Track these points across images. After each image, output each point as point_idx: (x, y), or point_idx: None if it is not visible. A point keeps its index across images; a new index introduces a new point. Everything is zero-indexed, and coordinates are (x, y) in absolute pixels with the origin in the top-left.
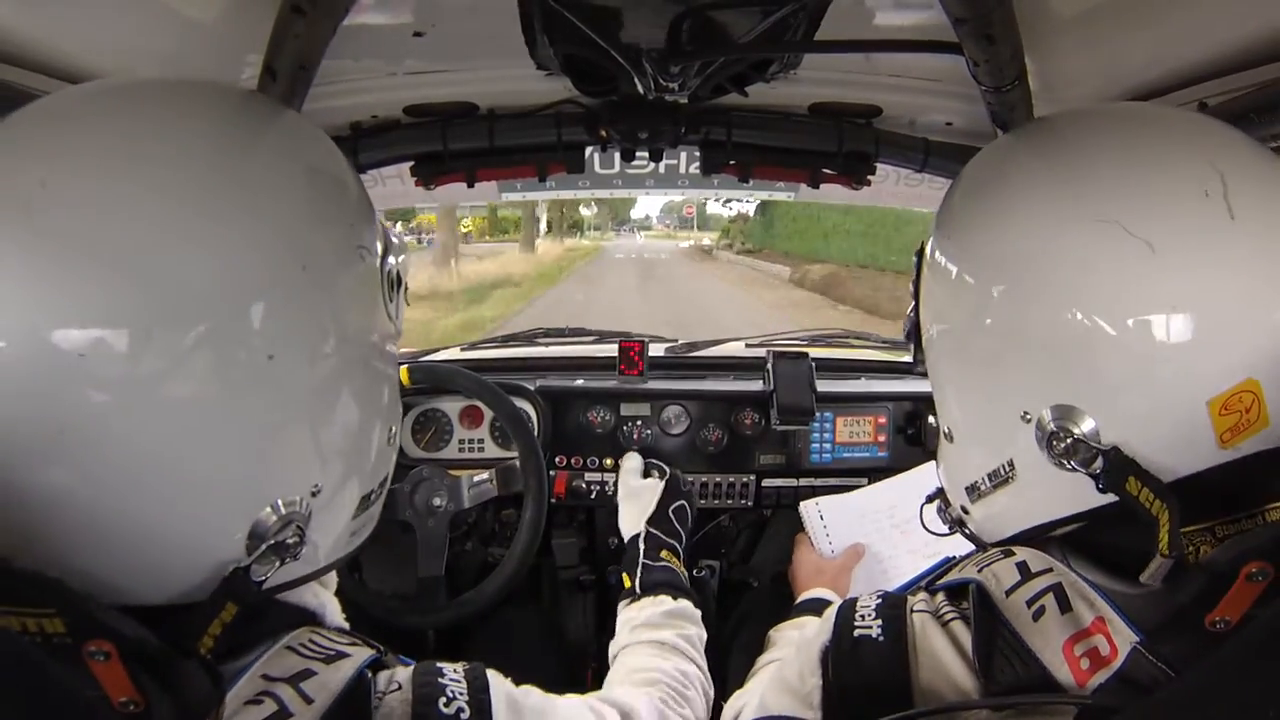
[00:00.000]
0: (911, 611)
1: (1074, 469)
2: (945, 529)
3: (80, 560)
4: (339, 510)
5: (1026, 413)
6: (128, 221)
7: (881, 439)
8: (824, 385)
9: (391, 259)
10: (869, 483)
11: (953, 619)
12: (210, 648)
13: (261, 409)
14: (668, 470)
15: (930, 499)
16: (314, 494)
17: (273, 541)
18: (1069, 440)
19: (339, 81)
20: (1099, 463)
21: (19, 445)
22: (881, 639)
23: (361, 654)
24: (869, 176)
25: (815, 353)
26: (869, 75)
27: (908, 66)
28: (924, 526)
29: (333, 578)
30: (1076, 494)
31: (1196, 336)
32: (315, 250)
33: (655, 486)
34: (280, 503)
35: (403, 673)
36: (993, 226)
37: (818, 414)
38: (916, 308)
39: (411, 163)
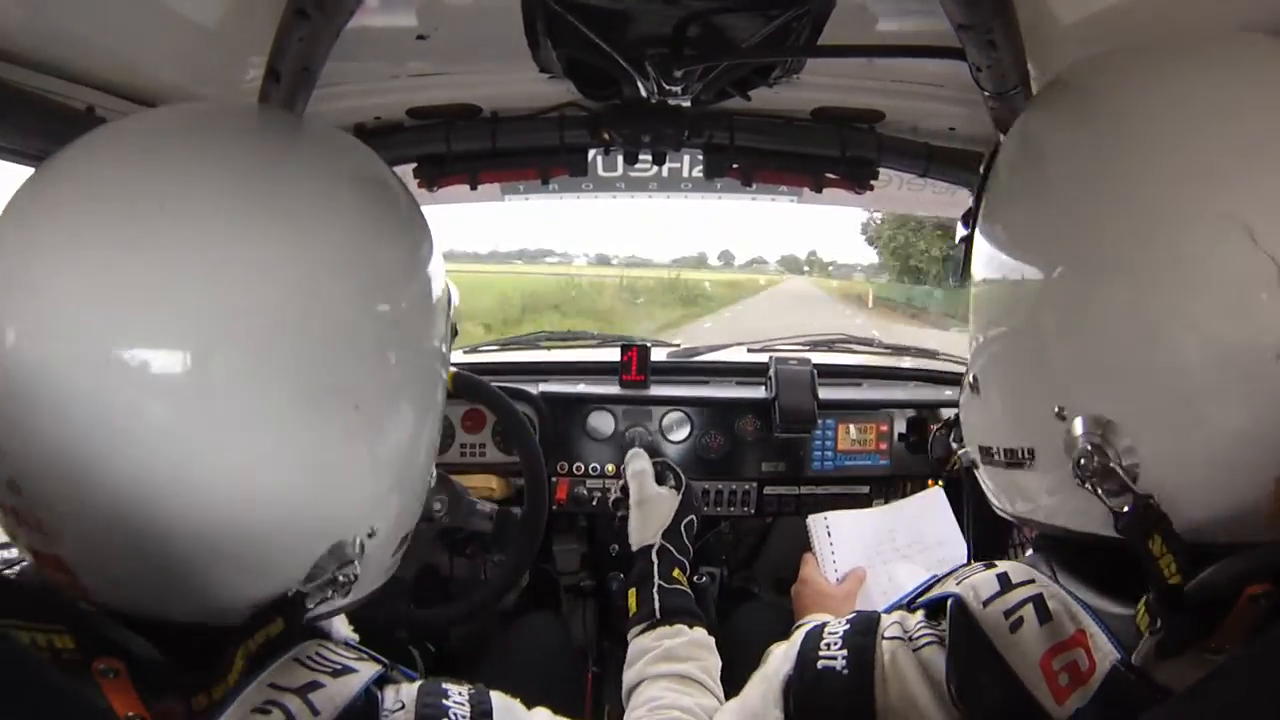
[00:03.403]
0: (882, 638)
1: (1096, 494)
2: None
3: (113, 572)
4: (385, 550)
5: (1063, 410)
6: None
7: (884, 446)
8: (826, 392)
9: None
10: (870, 490)
11: (927, 644)
12: (243, 660)
13: (322, 449)
14: (684, 479)
15: (943, 428)
16: (370, 535)
17: (329, 577)
18: (1099, 463)
19: (342, 83)
20: (1126, 501)
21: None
22: (845, 671)
23: (368, 669)
24: (871, 181)
25: (817, 358)
26: (871, 80)
27: (910, 71)
28: (929, 454)
29: None
30: (1088, 515)
31: None
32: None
33: (672, 498)
34: (344, 542)
35: (407, 691)
36: (1055, 196)
37: (820, 421)
38: (975, 211)
39: (415, 164)
